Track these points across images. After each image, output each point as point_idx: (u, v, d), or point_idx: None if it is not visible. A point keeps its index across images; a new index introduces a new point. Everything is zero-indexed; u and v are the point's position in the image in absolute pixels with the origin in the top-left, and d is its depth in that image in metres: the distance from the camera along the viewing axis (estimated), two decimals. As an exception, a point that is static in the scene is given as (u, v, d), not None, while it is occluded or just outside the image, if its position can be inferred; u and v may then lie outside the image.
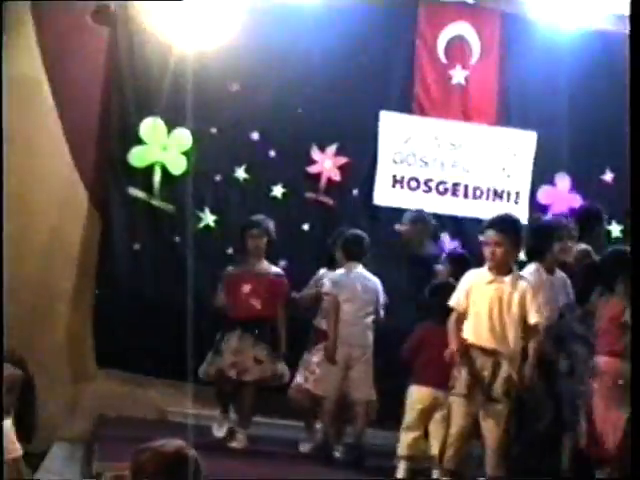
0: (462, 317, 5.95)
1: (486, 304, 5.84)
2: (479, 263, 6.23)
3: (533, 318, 5.83)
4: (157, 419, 7.93)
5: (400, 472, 6.48)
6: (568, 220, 7.17)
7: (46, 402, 7.76)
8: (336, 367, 7.18)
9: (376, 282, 7.42)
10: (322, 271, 7.65)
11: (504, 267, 5.90)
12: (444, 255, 7.94)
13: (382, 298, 7.41)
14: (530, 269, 6.54)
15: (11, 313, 7.68)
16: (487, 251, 5.90)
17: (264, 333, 7.38)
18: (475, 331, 5.84)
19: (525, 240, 6.61)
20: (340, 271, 7.39)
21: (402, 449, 6.49)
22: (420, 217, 8.08)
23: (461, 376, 5.80)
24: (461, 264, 7.56)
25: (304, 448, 7.38)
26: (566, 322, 6.42)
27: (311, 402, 7.41)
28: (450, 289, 6.28)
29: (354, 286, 7.32)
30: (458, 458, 5.85)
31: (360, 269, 7.40)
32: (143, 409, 8.07)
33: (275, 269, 7.62)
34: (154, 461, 2.91)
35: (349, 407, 7.23)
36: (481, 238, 6.08)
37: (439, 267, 7.80)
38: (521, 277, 6.00)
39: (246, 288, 7.46)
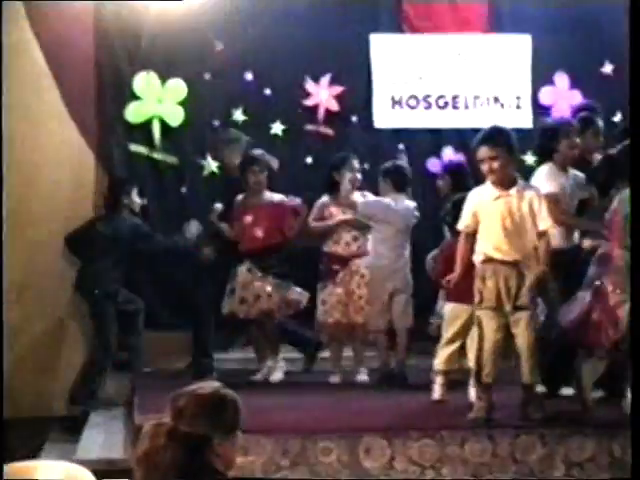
0: (471, 238, 5.94)
1: (498, 220, 5.81)
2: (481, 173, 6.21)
3: (542, 225, 5.82)
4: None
5: (436, 386, 6.55)
6: (571, 119, 7.18)
7: (79, 364, 7.93)
8: (383, 300, 7.27)
9: (415, 214, 7.44)
10: (324, 198, 7.58)
11: (506, 179, 5.86)
12: (441, 168, 7.91)
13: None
14: (543, 170, 6.54)
15: (34, 275, 7.81)
16: (485, 167, 5.84)
17: (271, 264, 7.41)
18: (494, 246, 5.83)
19: (535, 142, 6.65)
20: (387, 200, 7.36)
21: (439, 364, 6.55)
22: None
23: (487, 289, 5.81)
24: (460, 174, 7.62)
25: (334, 379, 7.46)
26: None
27: (344, 334, 7.52)
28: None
29: (401, 219, 7.32)
30: (495, 372, 5.89)
31: (405, 200, 7.38)
32: (178, 359, 8.15)
33: (278, 197, 7.56)
34: (192, 404, 2.93)
35: (392, 336, 7.34)
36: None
37: (439, 182, 7.79)
38: (527, 186, 5.97)
39: (248, 219, 7.48)
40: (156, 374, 7.71)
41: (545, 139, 6.70)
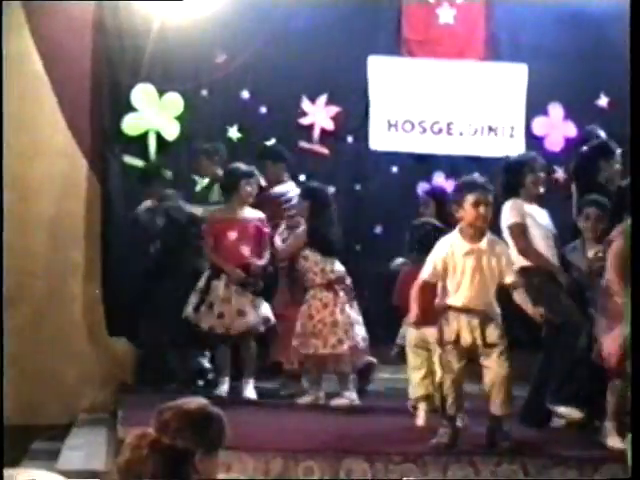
0: (433, 288, 5.90)
1: (467, 274, 5.79)
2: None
3: (509, 278, 5.85)
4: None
5: (420, 412, 6.54)
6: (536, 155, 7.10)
7: (65, 374, 7.93)
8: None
9: None
10: None
11: (482, 231, 5.84)
12: (423, 194, 7.84)
13: None
14: (507, 204, 6.53)
15: (24, 288, 7.79)
16: (479, 211, 5.73)
17: (249, 280, 7.39)
18: (460, 298, 5.81)
19: (499, 178, 6.65)
20: None
21: (414, 390, 6.57)
22: None
23: (449, 328, 5.81)
24: (444, 201, 7.62)
25: (302, 400, 7.36)
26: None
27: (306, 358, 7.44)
28: (428, 229, 6.32)
29: None
30: (459, 403, 5.88)
31: None
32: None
33: (258, 214, 7.58)
34: (177, 418, 2.93)
35: None
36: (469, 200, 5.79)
37: (422, 208, 7.73)
38: (496, 240, 5.97)
39: (232, 235, 7.44)
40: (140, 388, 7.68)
41: (510, 175, 6.69)
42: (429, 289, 5.93)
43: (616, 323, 5.92)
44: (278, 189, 8.04)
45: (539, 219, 6.67)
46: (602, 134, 7.98)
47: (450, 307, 5.83)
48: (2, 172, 7.30)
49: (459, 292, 5.81)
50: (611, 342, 5.93)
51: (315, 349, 7.25)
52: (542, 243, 6.58)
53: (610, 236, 6.15)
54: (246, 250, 7.44)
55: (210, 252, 7.50)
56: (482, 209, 5.76)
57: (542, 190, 6.74)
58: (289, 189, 8.03)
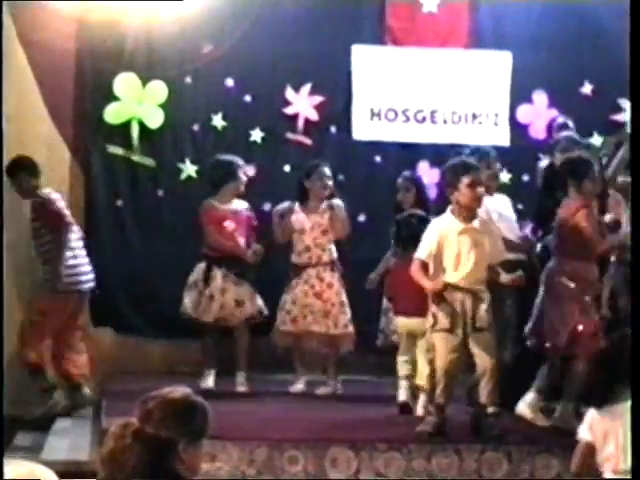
0: (426, 266, 5.95)
1: (462, 252, 5.86)
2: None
3: (496, 260, 5.96)
4: (164, 371, 7.97)
5: (401, 390, 6.58)
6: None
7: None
8: None
9: None
10: (289, 204, 7.58)
11: (475, 212, 5.93)
12: (404, 180, 7.73)
13: None
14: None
15: (7, 277, 7.74)
16: (478, 191, 5.83)
17: (246, 271, 7.42)
18: (453, 274, 5.87)
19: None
20: None
21: (401, 369, 6.61)
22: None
23: (442, 312, 5.85)
24: (423, 188, 7.61)
25: (295, 389, 7.41)
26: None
27: (291, 342, 7.49)
28: (414, 222, 6.44)
29: None
30: (448, 392, 5.92)
31: None
32: (149, 363, 8.12)
33: (246, 205, 7.61)
34: (161, 408, 2.93)
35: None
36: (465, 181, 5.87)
37: (399, 195, 7.67)
38: (486, 221, 6.03)
39: (231, 225, 7.46)
40: (128, 376, 7.66)
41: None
42: (426, 269, 5.98)
43: (563, 303, 6.00)
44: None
45: (502, 210, 6.76)
46: (570, 124, 8.01)
47: (448, 285, 5.87)
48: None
49: (457, 270, 5.88)
50: (559, 321, 6.02)
51: (327, 329, 7.24)
52: (510, 235, 6.66)
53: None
54: (241, 239, 7.46)
55: (217, 239, 7.44)
56: (478, 190, 5.86)
57: (495, 182, 6.86)
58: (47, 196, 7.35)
